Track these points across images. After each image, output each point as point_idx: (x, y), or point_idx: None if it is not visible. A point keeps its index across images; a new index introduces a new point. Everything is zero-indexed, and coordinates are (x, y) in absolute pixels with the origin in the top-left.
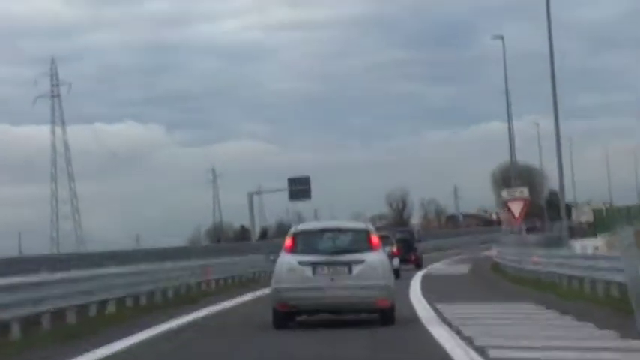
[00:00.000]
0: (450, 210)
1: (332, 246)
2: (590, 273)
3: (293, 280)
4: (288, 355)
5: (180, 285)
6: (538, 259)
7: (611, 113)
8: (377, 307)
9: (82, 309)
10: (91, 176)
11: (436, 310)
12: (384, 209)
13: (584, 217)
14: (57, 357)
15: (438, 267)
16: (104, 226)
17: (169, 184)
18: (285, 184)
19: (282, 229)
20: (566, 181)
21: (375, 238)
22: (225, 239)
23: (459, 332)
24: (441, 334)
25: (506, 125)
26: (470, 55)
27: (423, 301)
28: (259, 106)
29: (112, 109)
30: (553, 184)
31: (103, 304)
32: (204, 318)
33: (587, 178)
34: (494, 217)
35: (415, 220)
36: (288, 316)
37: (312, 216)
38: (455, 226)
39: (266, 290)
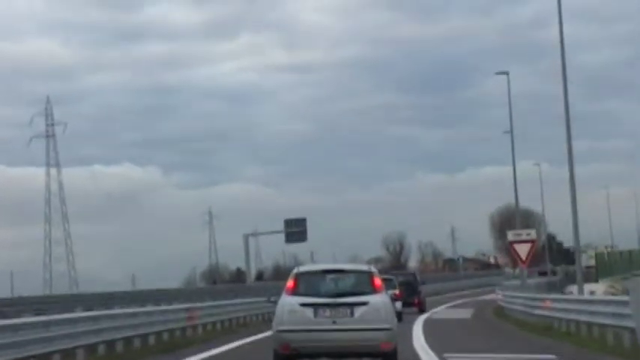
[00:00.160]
0: (448, 253)
1: (334, 288)
2: (614, 320)
3: (294, 322)
4: None
5: (162, 330)
6: (551, 304)
7: (605, 159)
8: (380, 350)
9: None
10: (89, 218)
11: None
12: (381, 252)
13: (586, 261)
14: None
15: (439, 311)
16: (100, 268)
17: (166, 226)
18: (281, 227)
19: (278, 272)
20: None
21: (377, 281)
22: (220, 281)
23: None
24: None
25: (502, 169)
26: (465, 97)
27: (428, 350)
28: (256, 148)
29: (110, 151)
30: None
31: (69, 353)
32: None
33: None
34: (492, 260)
35: (412, 263)
36: (290, 359)
37: (309, 258)
38: (452, 270)
39: (257, 336)
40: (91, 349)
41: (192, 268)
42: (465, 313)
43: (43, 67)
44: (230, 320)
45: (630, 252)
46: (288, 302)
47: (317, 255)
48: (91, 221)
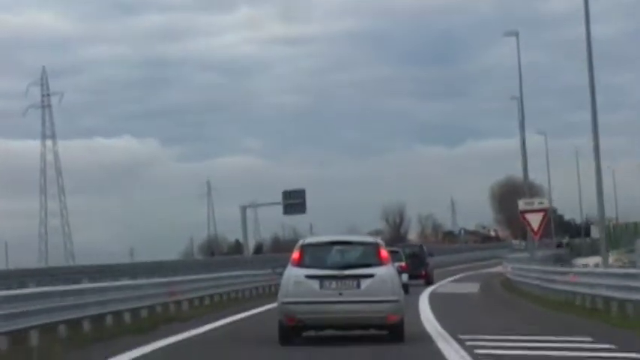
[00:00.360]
0: (448, 226)
1: (340, 260)
2: None
3: (300, 294)
4: None
5: (139, 307)
6: (577, 278)
7: (609, 132)
8: (386, 322)
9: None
10: (87, 191)
11: (466, 349)
12: (380, 224)
13: (596, 234)
14: None
15: (443, 285)
16: (99, 241)
17: (165, 199)
18: (280, 198)
19: (277, 244)
20: (568, 198)
21: (384, 253)
22: (219, 253)
23: None
24: None
25: (502, 141)
26: (464, 69)
27: (441, 330)
28: (255, 120)
29: (109, 124)
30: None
31: (25, 333)
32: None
33: (593, 196)
34: (492, 233)
35: (412, 236)
36: (295, 331)
37: (308, 231)
38: (452, 242)
39: (248, 313)
40: (49, 329)
41: (190, 240)
42: (472, 287)
43: (42, 39)
44: (220, 295)
45: (636, 224)
46: (294, 274)
47: (316, 227)
48: (89, 194)
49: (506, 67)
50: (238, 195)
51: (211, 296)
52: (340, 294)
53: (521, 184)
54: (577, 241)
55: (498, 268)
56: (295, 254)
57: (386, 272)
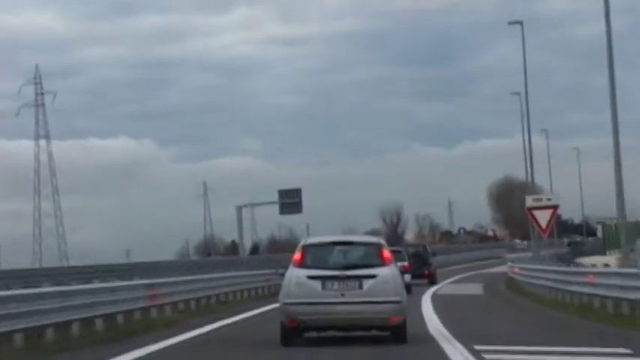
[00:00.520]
0: (445, 225)
1: (342, 260)
2: None
3: (302, 295)
4: None
5: (114, 313)
6: (595, 280)
7: (598, 132)
8: (389, 323)
9: None
10: (84, 191)
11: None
12: (378, 224)
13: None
14: None
15: (445, 286)
16: (96, 241)
17: (162, 199)
18: (276, 198)
19: (274, 244)
20: (567, 197)
21: (386, 253)
22: (215, 254)
23: None
24: None
25: (500, 142)
26: (462, 70)
27: (451, 338)
28: (252, 120)
29: (106, 125)
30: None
31: None
32: None
33: (593, 195)
34: (490, 233)
35: (409, 236)
36: (297, 332)
37: (305, 231)
38: (450, 242)
39: (239, 317)
40: (3, 338)
41: (185, 240)
42: (476, 288)
43: (39, 40)
44: (209, 297)
45: (637, 223)
46: (296, 275)
47: (313, 227)
48: (87, 195)
49: (504, 68)
50: (235, 196)
51: (198, 299)
52: (342, 295)
53: (519, 184)
54: (578, 240)
55: (499, 268)
56: (297, 255)
57: (388, 273)
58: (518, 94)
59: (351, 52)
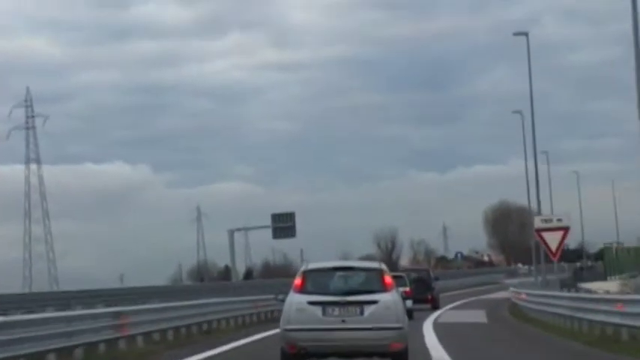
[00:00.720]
0: (440, 251)
1: (343, 286)
2: None
3: (302, 320)
4: None
5: (74, 346)
6: (624, 308)
7: (593, 158)
8: (390, 350)
9: None
10: (78, 216)
11: None
12: (372, 249)
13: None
14: None
15: (446, 313)
16: (89, 266)
17: (156, 224)
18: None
19: (267, 269)
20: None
21: (388, 279)
22: (208, 279)
23: None
24: None
25: (492, 167)
26: (455, 96)
27: None
28: (246, 146)
29: (101, 150)
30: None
31: None
32: None
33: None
34: (485, 258)
35: (404, 261)
36: (297, 358)
37: (299, 256)
38: (445, 267)
39: (221, 349)
40: None
41: (178, 265)
42: (479, 315)
43: (33, 64)
44: (189, 327)
45: (637, 248)
46: (296, 300)
47: (307, 253)
48: (81, 219)
49: (498, 94)
50: (229, 221)
51: (177, 328)
52: (343, 321)
53: (515, 208)
54: (590, 265)
55: (499, 294)
56: (297, 280)
57: (390, 299)
58: (520, 112)
59: (344, 78)
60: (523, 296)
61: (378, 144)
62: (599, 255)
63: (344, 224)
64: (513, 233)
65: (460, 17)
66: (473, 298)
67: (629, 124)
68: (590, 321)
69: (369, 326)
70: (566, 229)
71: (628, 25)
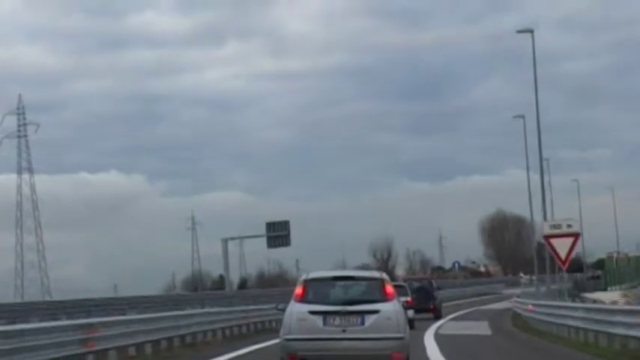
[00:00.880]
0: (436, 261)
1: (344, 295)
2: None
3: (303, 330)
4: None
5: None
6: None
7: (587, 167)
8: None
9: None
10: (73, 226)
11: None
12: (368, 259)
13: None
14: None
15: (448, 323)
16: (84, 275)
17: (151, 234)
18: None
19: (262, 279)
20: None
21: (389, 288)
22: (203, 289)
23: None
24: None
25: (487, 177)
26: (450, 105)
27: None
28: (242, 155)
29: (96, 159)
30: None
31: None
32: None
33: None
34: (482, 268)
35: (400, 271)
36: None
37: (294, 266)
38: (441, 277)
39: None
40: None
41: (172, 275)
42: (482, 327)
43: (28, 74)
44: (170, 339)
45: (637, 258)
46: (297, 310)
47: (302, 262)
48: (75, 229)
49: (494, 103)
50: (224, 230)
51: (157, 342)
52: (344, 330)
53: (512, 218)
54: (578, 276)
55: (499, 305)
56: (298, 289)
57: (391, 308)
58: (522, 117)
59: (340, 87)
60: (530, 307)
61: (373, 153)
62: (598, 265)
63: (339, 234)
64: (510, 242)
65: (455, 27)
66: (473, 309)
67: (622, 133)
68: (609, 334)
69: (370, 336)
70: (576, 236)
71: (621, 35)
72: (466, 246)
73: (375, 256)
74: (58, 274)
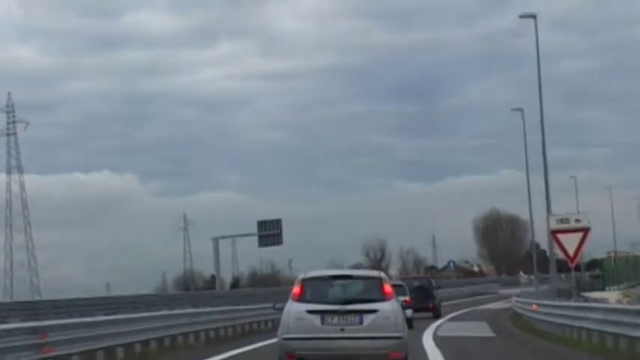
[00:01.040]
0: (429, 261)
1: (342, 295)
2: None
3: (301, 329)
4: None
5: None
6: None
7: (581, 167)
8: (389, 359)
9: None
10: (65, 225)
11: None
12: (361, 259)
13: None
14: None
15: (446, 324)
16: (76, 275)
17: (143, 234)
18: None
19: (254, 278)
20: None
21: (387, 287)
22: (195, 288)
23: None
24: None
25: (480, 178)
26: (443, 106)
27: None
28: (235, 155)
29: (89, 159)
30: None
31: None
32: None
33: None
34: (476, 268)
35: (393, 271)
36: None
37: (287, 265)
38: (435, 277)
39: None
40: None
41: (163, 274)
42: (482, 328)
43: (21, 73)
44: (146, 342)
45: (636, 257)
46: (295, 309)
47: (295, 262)
48: (68, 228)
49: (486, 104)
50: (216, 230)
51: (129, 345)
52: (342, 330)
53: (506, 217)
54: (576, 275)
55: (496, 304)
56: (296, 289)
57: (389, 308)
58: (521, 110)
59: (333, 88)
60: (534, 307)
61: (366, 153)
62: (591, 264)
63: (332, 234)
64: (504, 242)
65: (448, 27)
66: (468, 309)
67: (616, 134)
68: (631, 337)
69: (368, 335)
70: (586, 231)
71: (616, 35)
72: (459, 245)
73: (368, 255)
74: (50, 274)
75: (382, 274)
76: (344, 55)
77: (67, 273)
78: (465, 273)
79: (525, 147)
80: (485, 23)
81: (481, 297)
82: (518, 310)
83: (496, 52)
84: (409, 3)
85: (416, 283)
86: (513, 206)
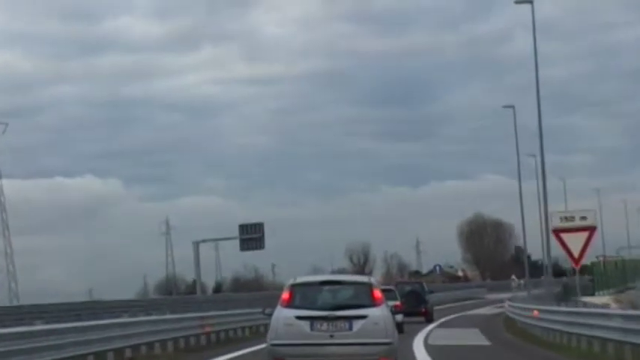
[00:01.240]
0: (413, 266)
1: (332, 300)
2: None
3: (290, 335)
4: None
5: None
6: None
7: (570, 172)
8: None
9: None
10: (48, 230)
11: None
12: (345, 263)
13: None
14: None
15: (437, 331)
16: (59, 280)
17: (127, 238)
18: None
19: (237, 284)
20: (535, 238)
21: (377, 293)
22: (177, 293)
23: None
24: None
25: (464, 182)
26: (427, 111)
27: None
28: (218, 160)
29: (72, 163)
30: (520, 240)
31: None
32: None
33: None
34: (460, 273)
35: (377, 276)
36: None
37: (270, 270)
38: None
39: None
40: None
41: (144, 278)
42: (475, 335)
43: (3, 79)
44: (103, 354)
45: (624, 261)
46: (284, 315)
47: (279, 267)
48: (50, 233)
49: (471, 110)
50: (200, 235)
51: (82, 357)
52: (331, 336)
53: (489, 222)
54: (565, 280)
55: (484, 310)
56: (285, 294)
57: (379, 314)
58: (512, 107)
59: (316, 93)
60: (535, 313)
61: (350, 158)
62: (581, 268)
63: (316, 238)
64: (488, 246)
65: (433, 33)
66: (457, 315)
67: (601, 140)
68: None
69: (358, 341)
70: (592, 229)
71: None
72: (444, 250)
73: (351, 260)
74: (31, 279)
75: (372, 280)
76: (329, 60)
77: (48, 278)
78: (449, 278)
79: (517, 145)
80: (471, 28)
81: (468, 302)
82: (511, 315)
83: (482, 58)
84: (395, 7)
85: (408, 288)
86: (497, 211)
